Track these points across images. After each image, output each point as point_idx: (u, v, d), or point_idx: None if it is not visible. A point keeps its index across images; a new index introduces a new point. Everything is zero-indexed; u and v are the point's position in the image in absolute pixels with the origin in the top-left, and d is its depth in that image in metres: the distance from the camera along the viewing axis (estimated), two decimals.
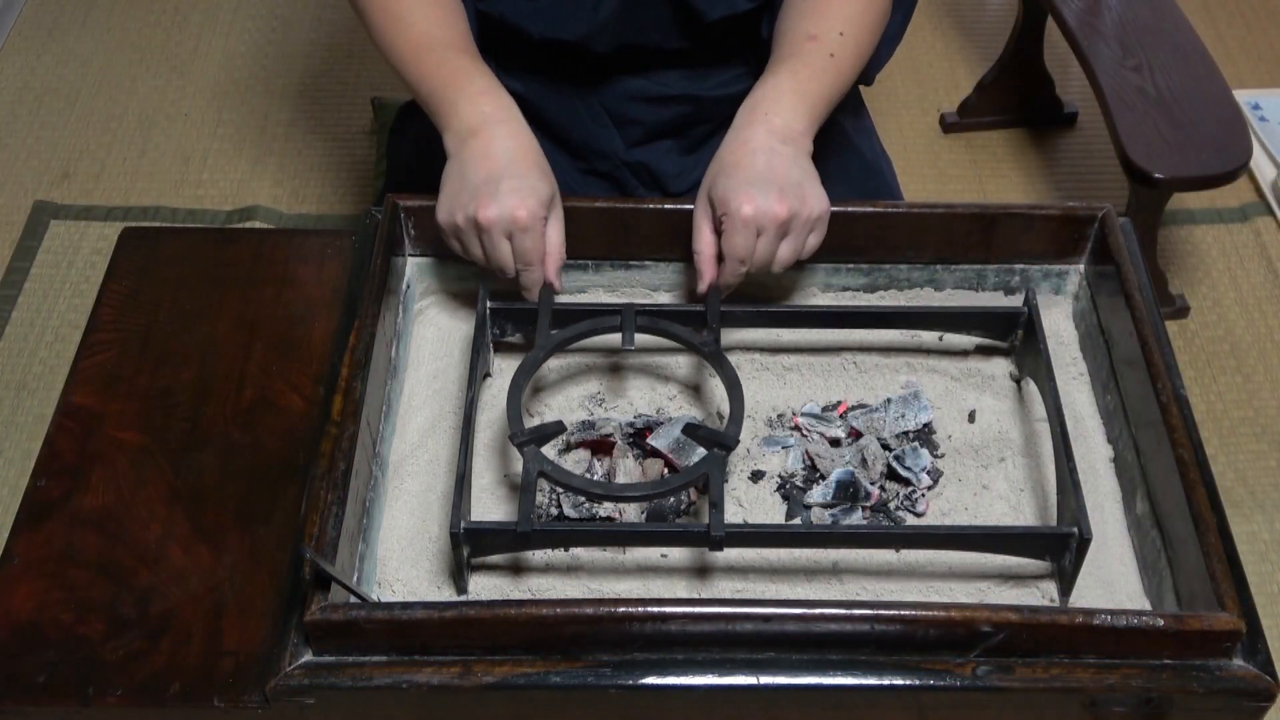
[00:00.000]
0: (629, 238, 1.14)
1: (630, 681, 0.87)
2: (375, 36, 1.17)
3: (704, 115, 1.33)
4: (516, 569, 0.99)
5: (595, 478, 1.03)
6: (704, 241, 1.07)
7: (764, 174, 1.04)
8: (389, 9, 1.15)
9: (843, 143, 1.37)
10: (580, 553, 0.99)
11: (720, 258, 1.06)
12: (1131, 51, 2.03)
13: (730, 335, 1.13)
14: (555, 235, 1.07)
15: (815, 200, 1.05)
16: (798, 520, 1.02)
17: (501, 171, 1.04)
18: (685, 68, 1.30)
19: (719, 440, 0.97)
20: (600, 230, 1.13)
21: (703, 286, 1.08)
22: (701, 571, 0.99)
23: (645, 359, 1.14)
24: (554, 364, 1.13)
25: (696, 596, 0.97)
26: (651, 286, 1.17)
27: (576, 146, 1.34)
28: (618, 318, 1.06)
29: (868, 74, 1.30)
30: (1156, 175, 1.84)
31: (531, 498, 0.93)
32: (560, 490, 1.02)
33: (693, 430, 1.00)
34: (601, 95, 1.31)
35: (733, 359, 1.12)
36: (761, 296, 1.16)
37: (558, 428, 0.99)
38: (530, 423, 1.08)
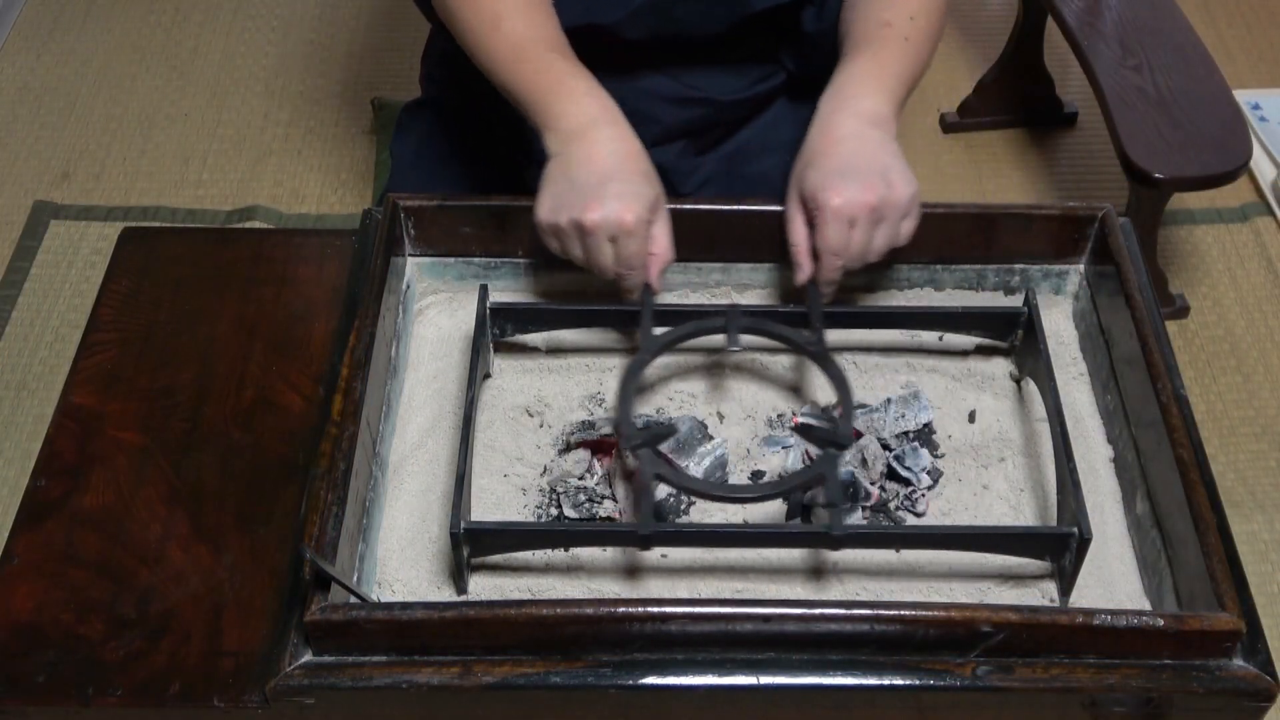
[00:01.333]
0: None
1: (630, 681, 0.87)
2: (469, 39, 1.15)
3: (721, 118, 1.33)
4: (516, 569, 0.99)
5: (595, 478, 1.03)
6: (798, 235, 1.07)
7: (850, 162, 1.04)
8: (485, 10, 1.13)
9: None
10: (580, 553, 0.99)
11: (816, 253, 1.06)
12: (1131, 51, 2.03)
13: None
14: (663, 238, 1.07)
15: (904, 184, 1.04)
16: (797, 520, 1.02)
17: (608, 174, 1.04)
18: (713, 65, 1.30)
19: (833, 439, 0.97)
20: None
21: (800, 278, 1.07)
22: (701, 571, 0.99)
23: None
24: (554, 364, 1.13)
25: (696, 596, 0.97)
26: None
27: None
28: (722, 319, 1.06)
29: None
30: (1157, 175, 1.84)
31: (650, 499, 0.93)
32: (560, 490, 1.02)
33: (807, 430, 1.00)
34: (625, 92, 1.31)
35: (732, 358, 1.12)
36: (761, 297, 1.17)
37: (669, 429, 0.99)
38: (531, 423, 1.08)
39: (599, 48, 1.26)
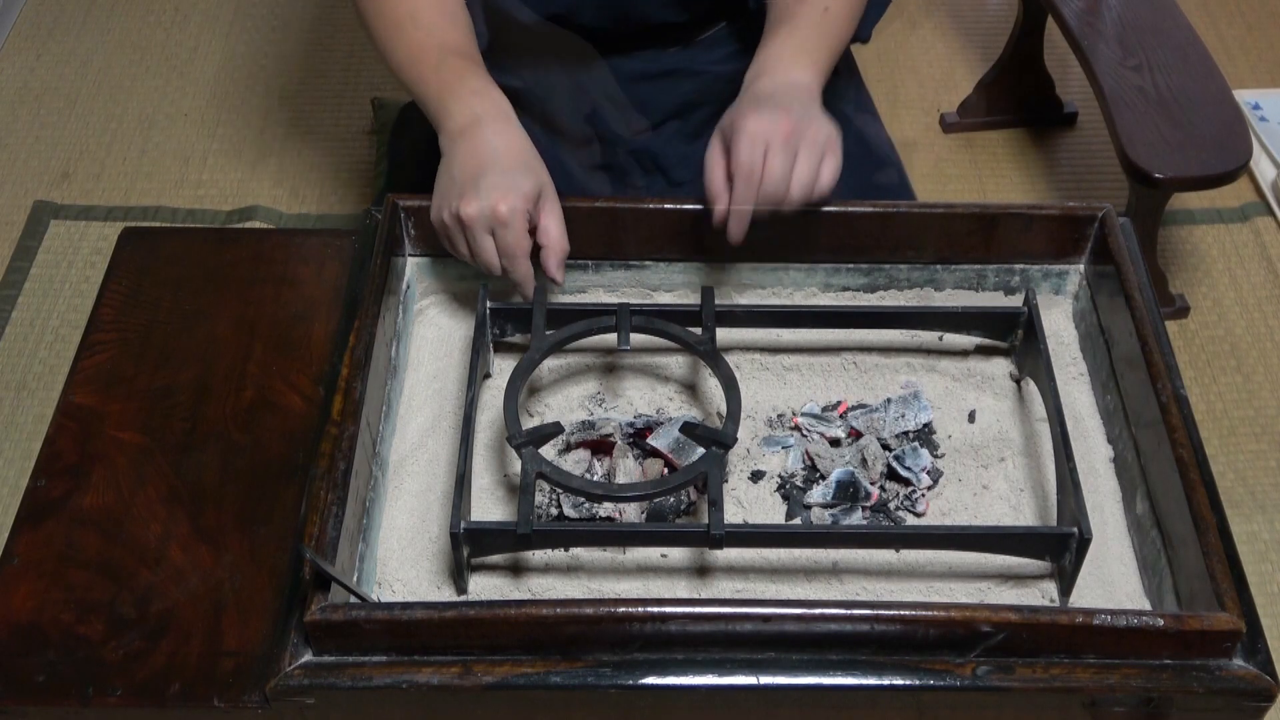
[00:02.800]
0: (628, 237, 1.14)
1: (630, 681, 0.87)
2: (376, 42, 1.18)
3: (705, 95, 1.33)
4: (516, 569, 0.99)
5: (595, 478, 1.03)
6: (715, 164, 1.06)
7: (770, 99, 1.06)
8: (388, 15, 1.16)
9: (846, 130, 1.37)
10: (580, 553, 0.99)
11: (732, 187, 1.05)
12: (1132, 51, 2.03)
13: (730, 335, 1.13)
14: (554, 228, 1.07)
15: (821, 122, 1.05)
16: (798, 520, 1.02)
17: (485, 168, 1.05)
18: (681, 44, 1.30)
19: (717, 439, 0.97)
20: (600, 230, 1.13)
21: (718, 211, 1.06)
22: (701, 571, 0.99)
23: (644, 359, 1.14)
24: (552, 364, 1.13)
25: (696, 596, 0.97)
26: (651, 286, 1.17)
27: (578, 138, 1.34)
28: (613, 318, 1.06)
29: (862, 30, 1.30)
30: (1157, 175, 1.84)
31: (530, 499, 0.93)
32: (560, 491, 1.02)
33: (690, 429, 1.00)
34: (601, 81, 1.31)
35: (732, 359, 1.12)
36: (762, 297, 1.17)
37: (555, 429, 0.99)
38: (530, 423, 1.08)
39: (566, 42, 1.26)
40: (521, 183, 1.04)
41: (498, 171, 1.04)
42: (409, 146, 1.46)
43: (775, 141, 1.02)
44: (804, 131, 1.03)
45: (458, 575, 0.96)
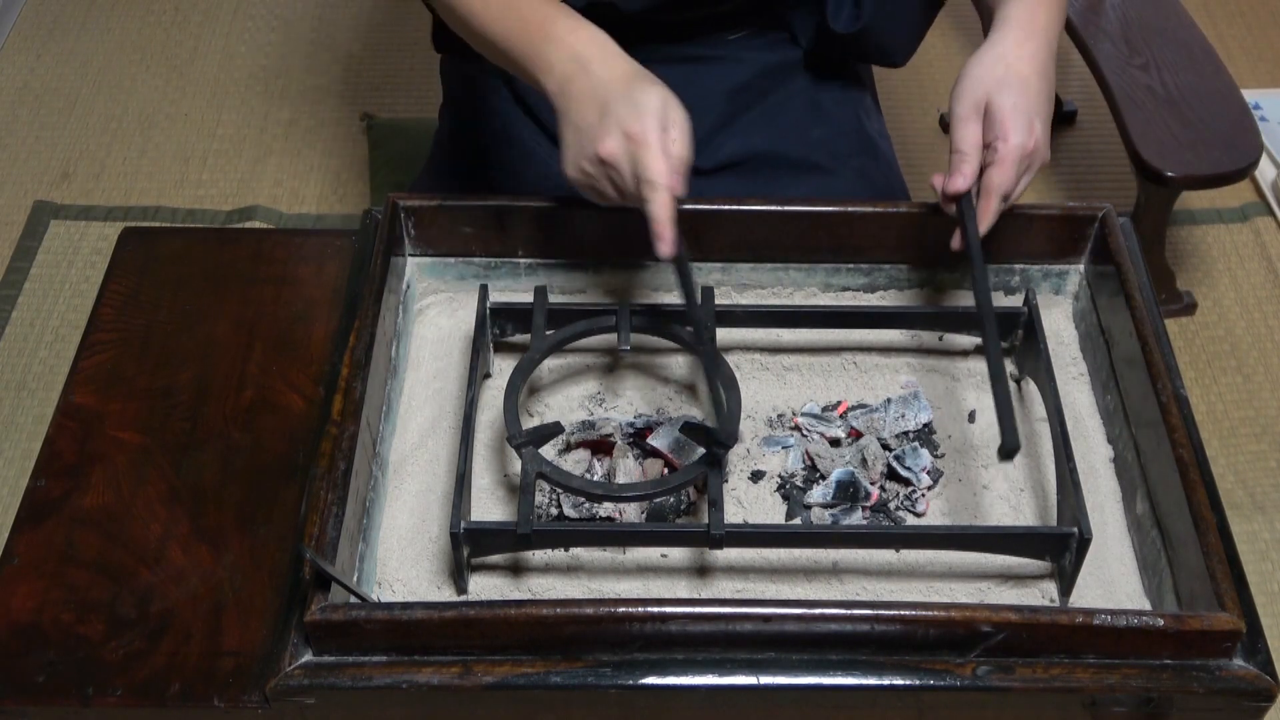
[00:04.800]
0: (629, 237, 1.14)
1: (630, 681, 0.87)
2: (454, 13, 1.11)
3: (746, 81, 1.31)
4: (516, 569, 0.99)
5: (595, 478, 1.03)
6: (970, 143, 1.05)
7: (1040, 103, 1.08)
8: None
9: (856, 140, 1.37)
10: (580, 553, 0.99)
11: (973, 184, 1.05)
12: (1138, 50, 2.03)
13: (730, 335, 1.13)
14: (678, 147, 1.00)
15: (1046, 143, 1.08)
16: (798, 520, 1.02)
17: (607, 103, 0.99)
18: (721, 31, 1.30)
19: (717, 439, 0.97)
20: (600, 230, 1.13)
21: (958, 185, 1.04)
22: (701, 571, 0.99)
23: (645, 359, 1.14)
24: (553, 364, 1.13)
25: (696, 596, 0.97)
26: (652, 287, 1.17)
27: None
28: (613, 318, 1.06)
29: (898, 56, 1.34)
30: (1169, 174, 1.84)
31: (531, 499, 0.93)
32: (560, 491, 1.02)
33: (691, 429, 1.00)
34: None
35: (733, 359, 1.12)
36: (762, 297, 1.17)
37: (555, 429, 0.99)
38: (530, 423, 1.08)
39: (607, 26, 1.26)
40: (647, 101, 0.99)
41: (619, 100, 0.99)
42: (445, 162, 1.42)
43: (1033, 166, 1.06)
44: (1041, 153, 1.07)
45: (458, 575, 0.96)
